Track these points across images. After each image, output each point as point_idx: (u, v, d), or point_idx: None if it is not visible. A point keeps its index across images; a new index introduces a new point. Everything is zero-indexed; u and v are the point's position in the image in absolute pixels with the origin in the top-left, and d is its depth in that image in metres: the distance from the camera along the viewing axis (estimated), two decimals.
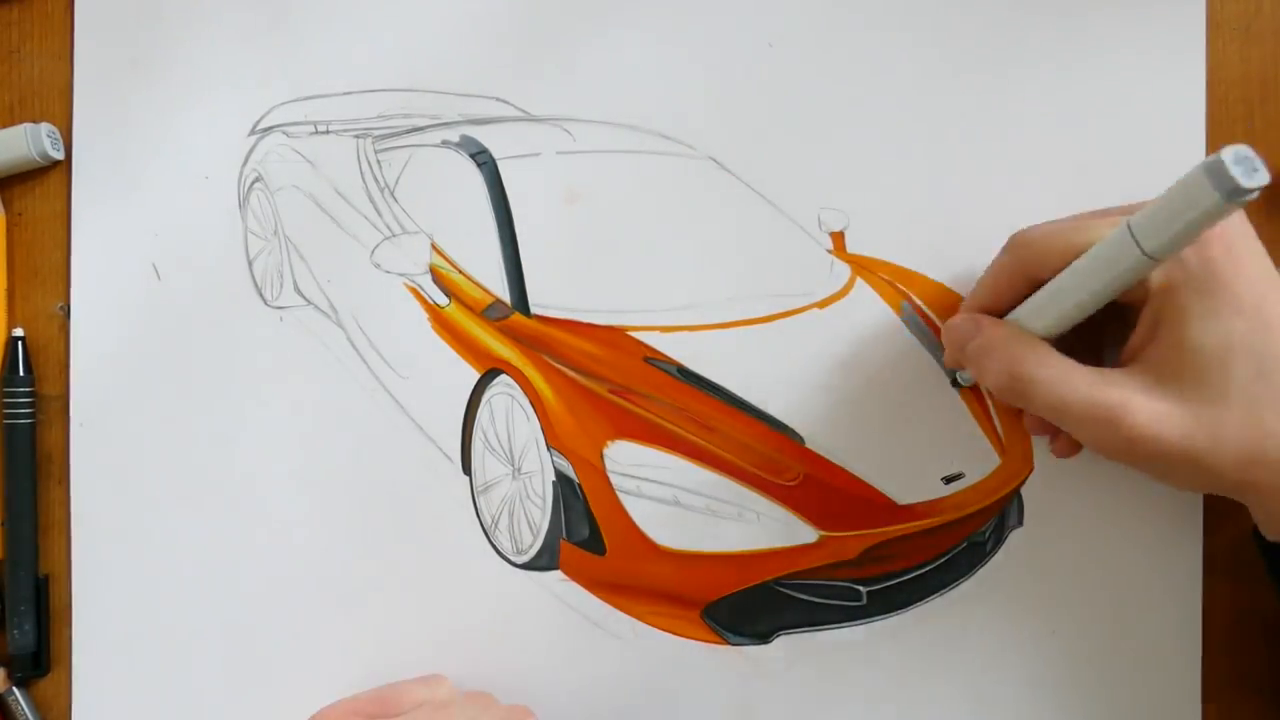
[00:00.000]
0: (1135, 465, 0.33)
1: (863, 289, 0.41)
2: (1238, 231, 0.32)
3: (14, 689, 0.46)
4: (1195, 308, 0.31)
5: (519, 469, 0.42)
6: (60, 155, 0.47)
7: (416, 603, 0.43)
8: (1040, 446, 0.39)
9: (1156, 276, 0.32)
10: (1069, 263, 0.32)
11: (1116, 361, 0.34)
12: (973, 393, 0.40)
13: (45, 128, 0.47)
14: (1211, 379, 0.31)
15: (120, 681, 0.46)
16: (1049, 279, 0.33)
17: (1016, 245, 0.35)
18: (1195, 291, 0.31)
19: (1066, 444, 0.37)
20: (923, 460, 0.40)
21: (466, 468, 0.43)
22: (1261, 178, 0.26)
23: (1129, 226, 0.30)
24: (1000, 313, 0.36)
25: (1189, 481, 0.33)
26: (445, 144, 0.44)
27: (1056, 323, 0.34)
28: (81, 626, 0.46)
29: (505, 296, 0.43)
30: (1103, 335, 0.36)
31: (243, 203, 0.46)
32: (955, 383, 0.40)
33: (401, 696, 0.41)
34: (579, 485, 0.41)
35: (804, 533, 0.40)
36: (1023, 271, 0.34)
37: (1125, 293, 0.32)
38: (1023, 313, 0.35)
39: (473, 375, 0.43)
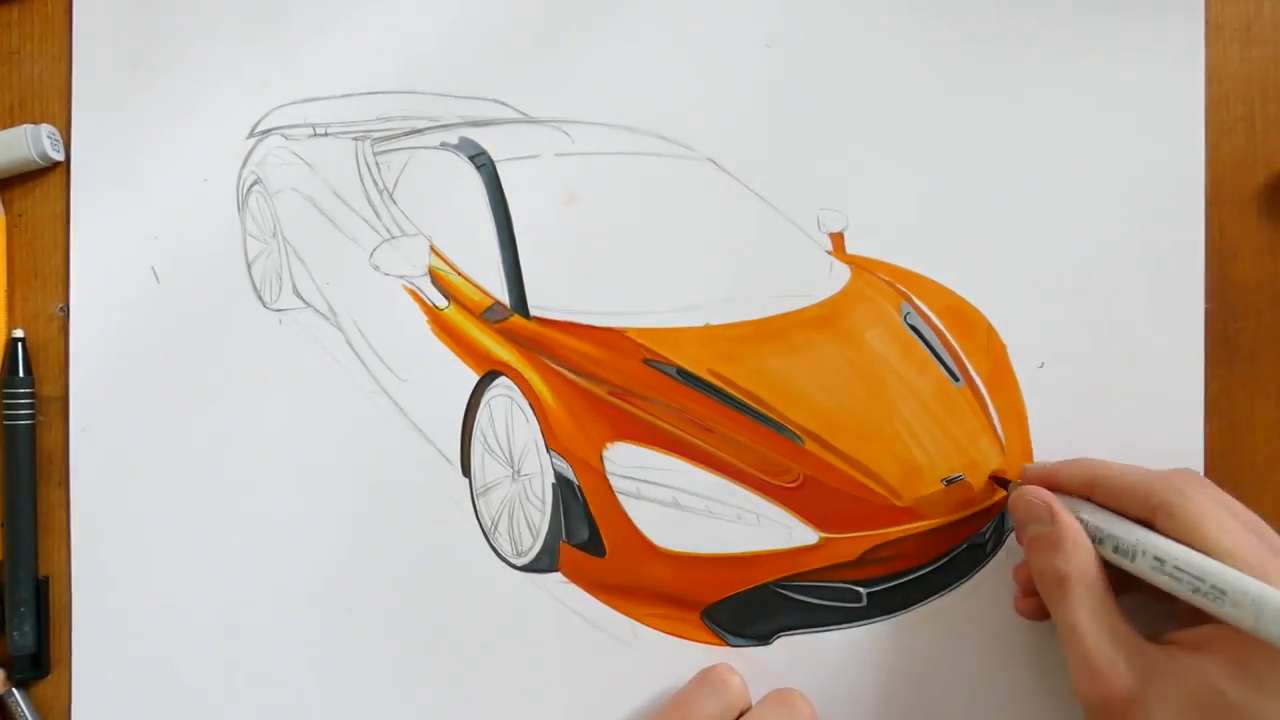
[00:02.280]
0: None
1: (862, 290, 0.41)
2: None
3: (13, 690, 0.46)
4: (1263, 679, 0.30)
5: (518, 471, 0.42)
6: (60, 156, 0.47)
7: (416, 605, 0.43)
8: (1041, 447, 0.39)
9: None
10: (1189, 545, 0.32)
11: (1159, 632, 0.34)
12: (972, 393, 0.40)
13: (45, 129, 0.47)
14: None
15: (120, 683, 0.46)
16: (1161, 532, 0.33)
17: (1176, 489, 0.33)
18: (1245, 670, 0.31)
19: (1035, 611, 0.37)
20: (923, 461, 0.40)
21: (466, 470, 0.43)
22: None
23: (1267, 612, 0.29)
24: (1100, 499, 0.35)
25: None
26: (444, 146, 0.44)
27: (1129, 569, 0.33)
28: (81, 627, 0.46)
29: (504, 298, 0.43)
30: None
31: (241, 205, 0.46)
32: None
33: (697, 713, 0.38)
34: (578, 487, 0.41)
35: (804, 534, 0.40)
36: (1156, 505, 0.33)
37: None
38: (1114, 530, 0.34)
39: (472, 377, 0.43)
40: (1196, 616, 0.32)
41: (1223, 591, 0.30)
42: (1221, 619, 0.30)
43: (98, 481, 0.46)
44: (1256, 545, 0.31)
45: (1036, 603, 0.37)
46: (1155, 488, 0.33)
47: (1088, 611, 0.33)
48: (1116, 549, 0.33)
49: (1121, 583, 0.34)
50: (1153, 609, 0.35)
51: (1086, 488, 0.35)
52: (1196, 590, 0.31)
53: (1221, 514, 0.32)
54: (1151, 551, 0.32)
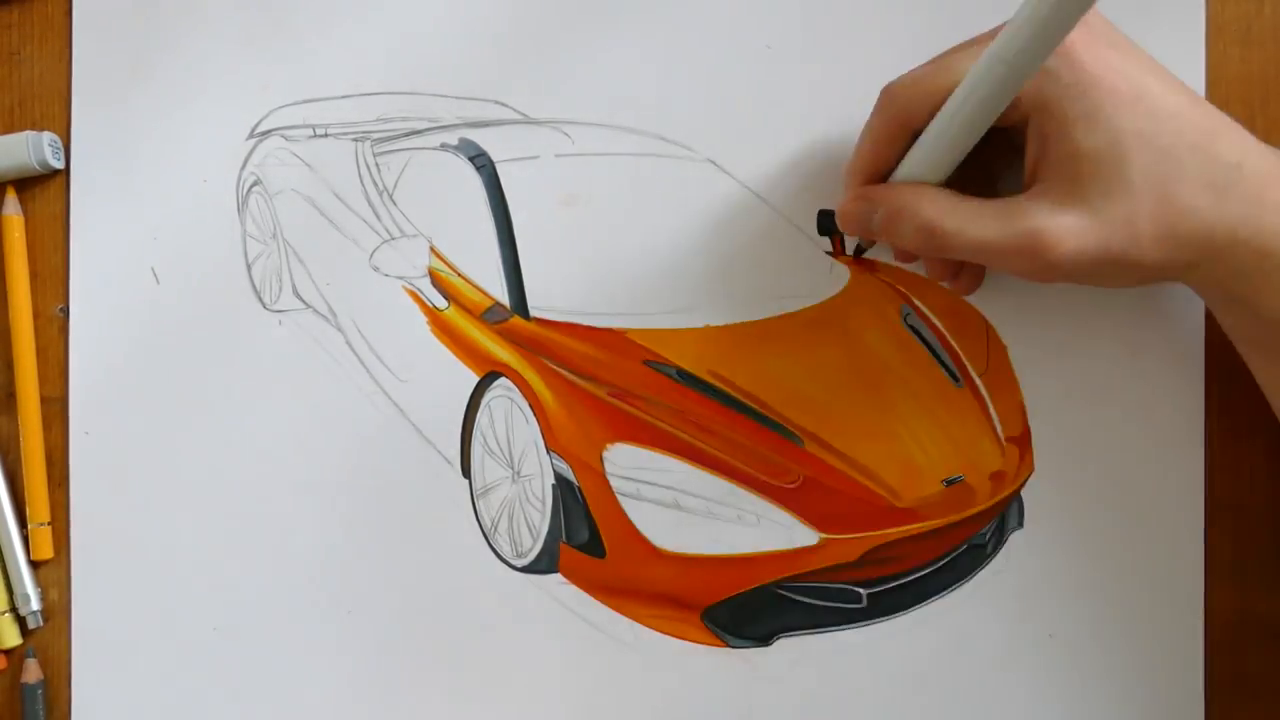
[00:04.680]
0: (1065, 281, 0.33)
1: (862, 290, 0.41)
2: (1099, 30, 0.32)
3: (36, 687, 0.46)
4: (1075, 113, 0.31)
5: (518, 472, 0.42)
6: (60, 165, 0.47)
7: (416, 606, 0.43)
8: (1041, 447, 0.39)
9: (1031, 95, 0.32)
10: (939, 106, 0.33)
11: (1017, 190, 0.34)
12: (972, 393, 0.40)
13: (47, 136, 0.46)
14: (1111, 177, 0.31)
15: (120, 685, 0.46)
16: (923, 127, 0.34)
17: (885, 102, 0.35)
18: (1072, 99, 0.31)
19: (970, 281, 0.38)
20: (923, 462, 0.40)
21: (466, 471, 0.43)
22: None
23: (993, 52, 0.30)
24: (884, 173, 0.36)
25: (1119, 280, 0.33)
26: (444, 147, 0.44)
27: (944, 166, 0.34)
28: (81, 629, 0.46)
29: (504, 299, 0.43)
30: (993, 169, 0.36)
31: (241, 206, 0.46)
32: (859, 251, 0.40)
33: None
34: (578, 488, 0.41)
35: (804, 535, 0.40)
36: (898, 125, 0.35)
37: (1005, 119, 0.33)
38: (908, 166, 0.35)
39: (472, 378, 0.43)
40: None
41: (1002, 61, 0.30)
42: (1012, 88, 0.31)
43: (98, 482, 0.46)
44: (973, 48, 0.33)
45: (967, 272, 0.38)
46: (880, 119, 0.35)
47: (971, 223, 0.33)
48: (928, 160, 0.34)
49: None
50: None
51: (905, 127, 0.35)
52: (981, 94, 0.31)
53: (928, 64, 0.35)
54: (934, 130, 0.33)
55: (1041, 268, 0.32)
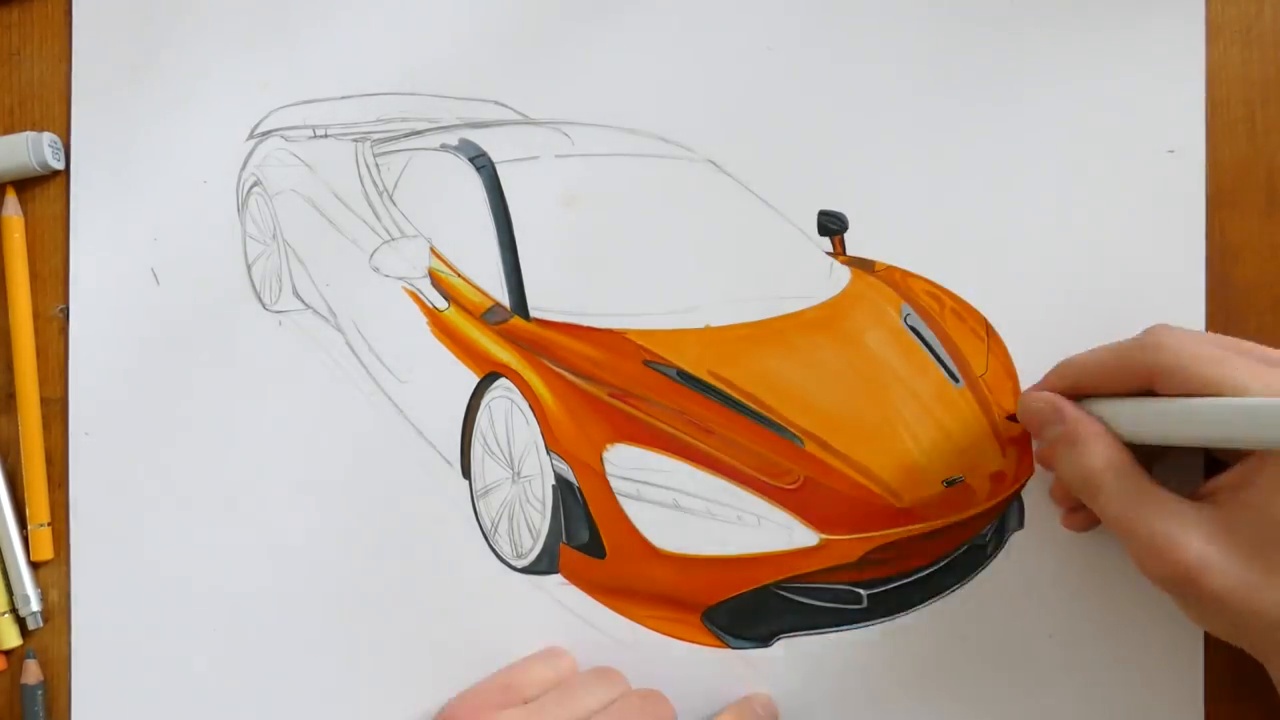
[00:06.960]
0: (1184, 607, 0.33)
1: (862, 291, 0.41)
2: None
3: (35, 689, 0.46)
4: None
5: (518, 473, 0.42)
6: (60, 165, 0.47)
7: (416, 607, 0.43)
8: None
9: None
10: (1196, 393, 0.31)
11: (1194, 488, 0.33)
12: (973, 394, 0.40)
13: (47, 136, 0.47)
14: None
15: (120, 685, 0.46)
16: (1166, 395, 0.32)
17: (1154, 347, 0.33)
18: None
19: (1084, 523, 0.37)
20: (923, 463, 0.40)
21: (466, 471, 0.43)
22: None
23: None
24: (1089, 390, 0.35)
25: (1226, 632, 0.32)
26: (444, 147, 0.44)
27: (1153, 440, 0.33)
28: (81, 630, 0.46)
29: (504, 300, 0.43)
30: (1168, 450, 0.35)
31: (241, 207, 0.46)
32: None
33: (524, 678, 0.39)
34: (579, 489, 0.41)
35: (804, 536, 0.40)
36: (1146, 374, 0.33)
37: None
38: (1123, 411, 0.33)
39: (472, 379, 0.43)
40: (1223, 463, 0.32)
41: (1256, 421, 0.29)
42: (1259, 448, 0.30)
43: (98, 482, 0.46)
44: (1256, 367, 0.31)
45: (1084, 515, 0.37)
46: (1136, 358, 0.33)
47: (1128, 498, 0.32)
48: (1136, 427, 0.33)
49: (1145, 456, 0.33)
50: (1183, 466, 0.35)
51: (1074, 389, 0.35)
52: (1232, 436, 0.30)
53: (1210, 350, 0.32)
54: (1172, 415, 0.31)
55: (1182, 590, 0.31)
